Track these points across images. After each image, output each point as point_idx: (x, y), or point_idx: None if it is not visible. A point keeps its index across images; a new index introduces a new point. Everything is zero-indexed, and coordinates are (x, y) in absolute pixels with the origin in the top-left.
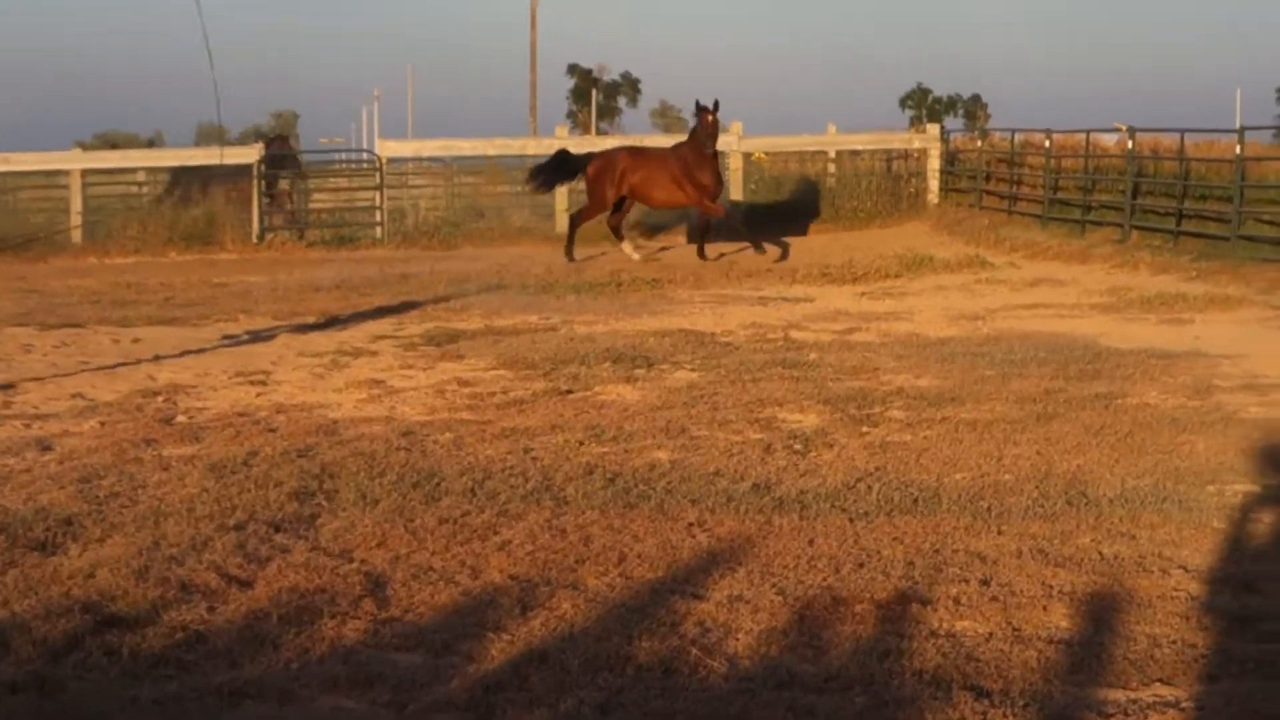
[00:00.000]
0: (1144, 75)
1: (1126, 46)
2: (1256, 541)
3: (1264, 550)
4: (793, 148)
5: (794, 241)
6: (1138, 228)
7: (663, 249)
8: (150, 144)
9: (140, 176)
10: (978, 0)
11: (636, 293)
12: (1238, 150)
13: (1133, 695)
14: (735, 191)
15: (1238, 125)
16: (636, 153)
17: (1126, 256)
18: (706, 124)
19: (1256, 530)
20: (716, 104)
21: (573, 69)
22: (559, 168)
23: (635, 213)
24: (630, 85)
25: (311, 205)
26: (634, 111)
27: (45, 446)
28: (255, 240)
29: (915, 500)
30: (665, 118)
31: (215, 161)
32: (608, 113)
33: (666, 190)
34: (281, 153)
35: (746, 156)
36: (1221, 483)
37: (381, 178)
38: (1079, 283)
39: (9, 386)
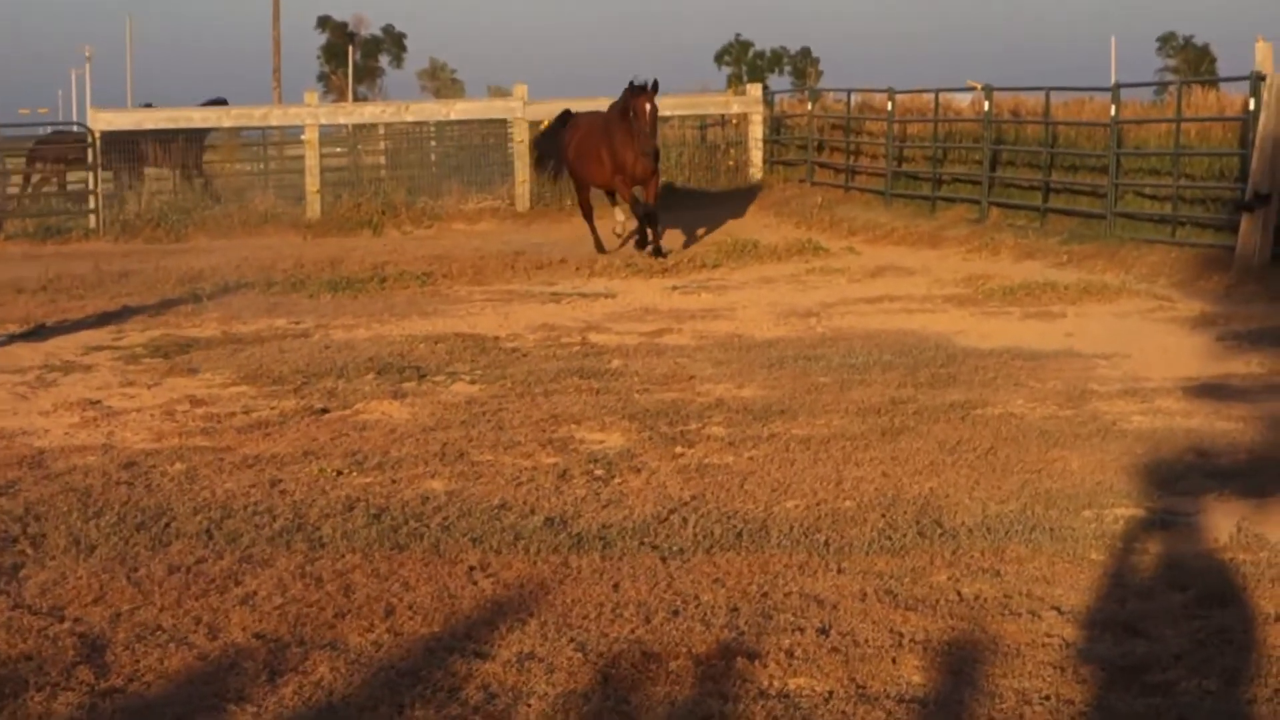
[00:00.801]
0: (1002, 24)
1: None
2: (1141, 576)
3: (1150, 586)
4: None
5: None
6: (998, 204)
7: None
8: None
9: None
10: None
11: (404, 289)
12: (1112, 111)
13: None
14: (522, 168)
15: (1112, 81)
16: (583, 118)
17: (985, 239)
18: (643, 115)
19: (1141, 562)
20: (655, 85)
21: (324, 22)
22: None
23: None
24: (394, 41)
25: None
26: (399, 73)
27: None
28: None
29: (739, 534)
30: (436, 79)
31: None
32: (367, 74)
33: (594, 166)
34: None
35: (534, 126)
36: (1100, 506)
37: (96, 156)
38: (930, 271)
39: None
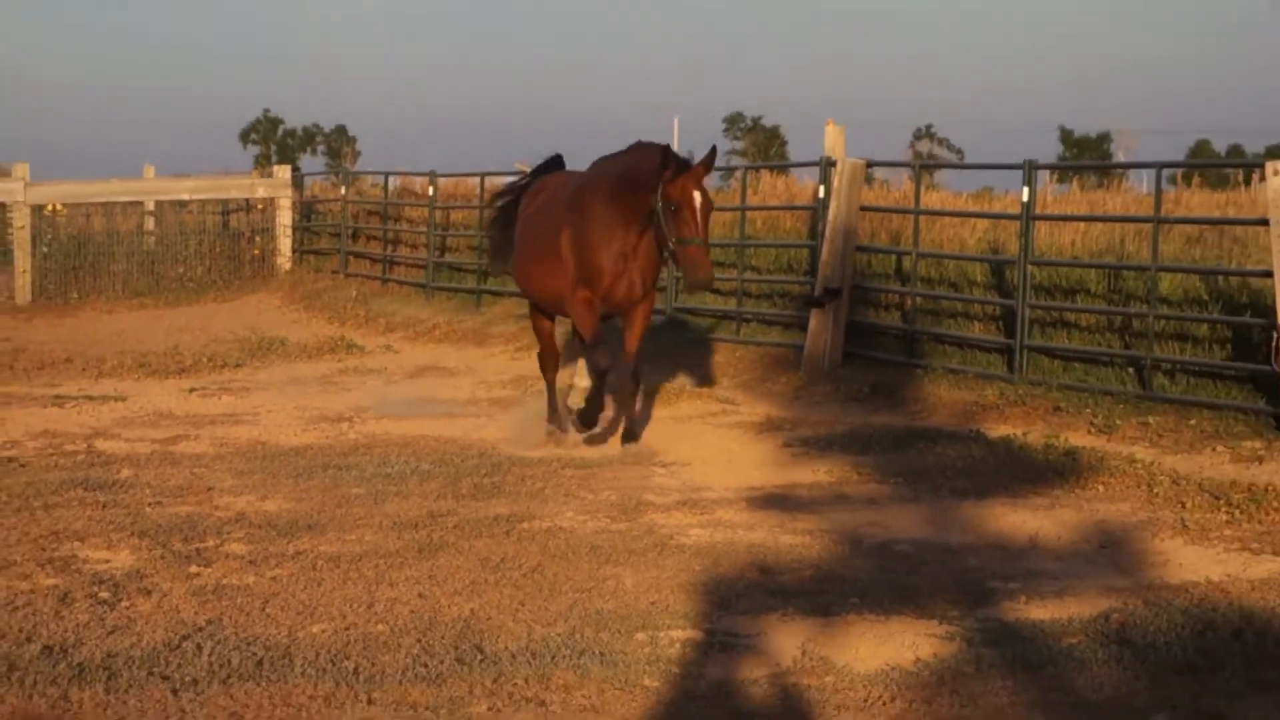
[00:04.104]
0: (559, 100)
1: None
2: (698, 703)
3: (707, 715)
4: (98, 197)
5: (101, 321)
6: None
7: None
8: None
9: None
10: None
11: None
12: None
13: None
14: (22, 258)
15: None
16: (556, 179)
17: (530, 335)
18: (691, 207)
19: (698, 688)
20: (713, 155)
21: None
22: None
23: None
24: None
25: None
26: None
27: None
28: None
29: (260, 662)
30: None
31: None
32: None
33: (544, 268)
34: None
35: (37, 210)
36: (654, 628)
37: None
38: (475, 370)
39: None
